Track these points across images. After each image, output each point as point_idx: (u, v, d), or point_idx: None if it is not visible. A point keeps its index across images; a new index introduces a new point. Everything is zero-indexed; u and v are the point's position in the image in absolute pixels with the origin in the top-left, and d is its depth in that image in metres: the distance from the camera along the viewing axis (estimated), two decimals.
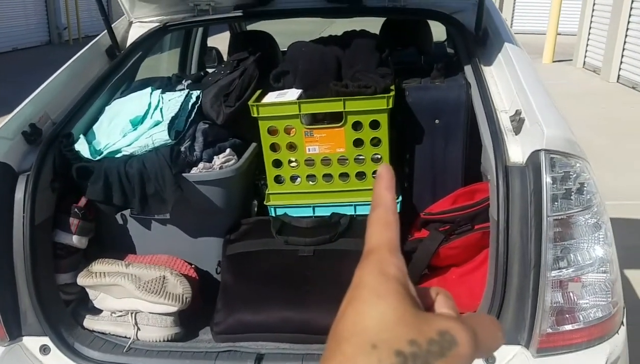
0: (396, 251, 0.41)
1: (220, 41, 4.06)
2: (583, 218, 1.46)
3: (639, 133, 5.91)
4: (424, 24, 2.67)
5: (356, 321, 0.37)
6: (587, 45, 9.67)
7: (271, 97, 1.88)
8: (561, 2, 10.13)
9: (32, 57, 11.56)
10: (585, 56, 9.73)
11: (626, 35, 8.31)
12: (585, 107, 6.87)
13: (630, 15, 8.22)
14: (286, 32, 2.76)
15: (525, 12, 13.84)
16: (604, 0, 9.10)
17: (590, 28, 9.61)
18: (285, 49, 2.34)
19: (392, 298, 0.38)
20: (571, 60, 10.12)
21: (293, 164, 1.91)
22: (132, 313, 1.72)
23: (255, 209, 2.06)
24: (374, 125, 1.80)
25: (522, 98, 1.62)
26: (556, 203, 1.44)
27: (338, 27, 2.38)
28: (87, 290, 1.77)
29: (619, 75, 8.47)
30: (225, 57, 3.82)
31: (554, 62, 10.16)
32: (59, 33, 14.38)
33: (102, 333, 1.72)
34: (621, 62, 8.42)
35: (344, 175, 1.89)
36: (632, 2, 8.18)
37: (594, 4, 9.50)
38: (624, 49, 8.38)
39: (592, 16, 9.56)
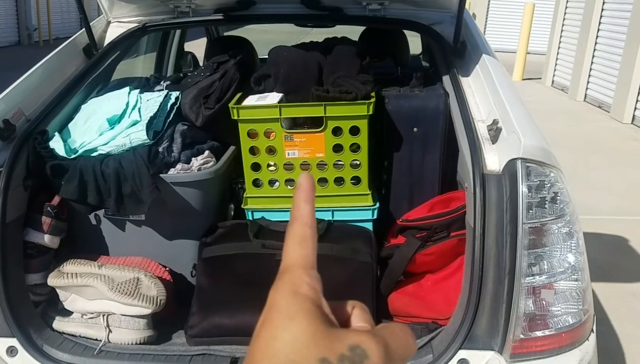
0: (311, 268, 0.41)
1: (195, 47, 4.04)
2: (556, 227, 1.50)
3: (602, 151, 6.09)
4: (402, 35, 2.71)
5: (268, 344, 0.38)
6: (555, 64, 9.95)
7: (252, 100, 1.88)
8: (531, 21, 10.40)
9: (1, 58, 11.30)
10: (554, 75, 10.00)
11: (593, 56, 8.58)
12: (554, 124, 7.05)
13: (597, 37, 8.49)
14: (262, 41, 2.77)
15: (496, 30, 14.16)
16: (572, 21, 9.38)
17: (559, 48, 9.89)
18: (264, 57, 2.34)
19: (302, 318, 0.38)
20: (540, 78, 10.39)
21: (272, 168, 1.91)
22: (103, 315, 1.69)
23: (232, 213, 2.05)
24: (354, 131, 1.82)
25: (500, 109, 1.66)
26: (531, 211, 1.47)
27: (314, 37, 2.40)
28: (58, 290, 1.73)
29: (586, 94, 8.72)
30: (201, 63, 3.82)
31: (523, 79, 10.40)
32: (29, 34, 14.10)
33: (72, 335, 1.68)
34: (588, 82, 8.68)
35: (322, 180, 1.90)
36: (599, 24, 8.46)
37: (562, 25, 9.79)
38: (591, 69, 8.64)
39: (561, 36, 9.84)
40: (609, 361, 2.66)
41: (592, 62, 8.62)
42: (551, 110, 8.00)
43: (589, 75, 8.66)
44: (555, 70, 9.96)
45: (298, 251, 0.42)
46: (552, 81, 10.02)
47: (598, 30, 8.48)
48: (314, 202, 0.44)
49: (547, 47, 10.26)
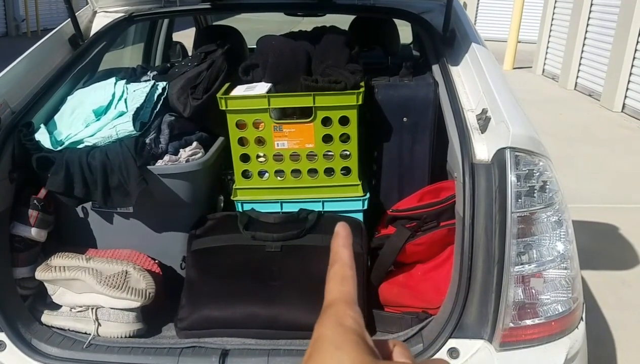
0: (353, 304, 0.44)
1: (185, 38, 4.00)
2: (545, 215, 1.50)
3: (593, 139, 6.12)
4: (392, 24, 2.69)
5: None
6: (546, 53, 9.96)
7: (240, 90, 1.86)
8: (522, 10, 10.40)
9: None
10: (544, 64, 10.02)
11: (584, 45, 8.60)
12: (544, 113, 7.07)
13: (587, 25, 8.51)
14: (251, 31, 2.74)
15: (487, 20, 14.15)
16: (563, 10, 9.38)
17: (549, 36, 9.90)
18: (253, 46, 2.31)
19: (350, 348, 0.39)
20: (531, 67, 10.40)
21: (261, 159, 1.90)
22: (92, 309, 1.67)
23: (222, 204, 2.04)
24: (344, 121, 1.80)
25: (489, 98, 1.65)
26: (520, 200, 1.47)
27: (304, 27, 2.38)
28: (46, 284, 1.71)
29: (576, 82, 8.75)
30: (190, 53, 3.78)
31: (514, 68, 10.42)
32: (16, 25, 13.94)
33: (61, 329, 1.67)
34: (579, 70, 8.70)
35: (312, 171, 1.89)
36: (589, 13, 8.47)
37: (553, 14, 9.79)
38: (581, 58, 8.66)
39: (551, 25, 9.85)
40: (598, 348, 2.68)
41: (582, 51, 8.64)
42: (542, 99, 8.02)
43: (580, 64, 8.68)
44: (545, 59, 9.98)
45: (340, 289, 0.45)
46: (543, 70, 10.04)
47: (588, 18, 8.49)
48: (352, 246, 0.48)
49: (538, 36, 10.27)
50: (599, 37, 8.14)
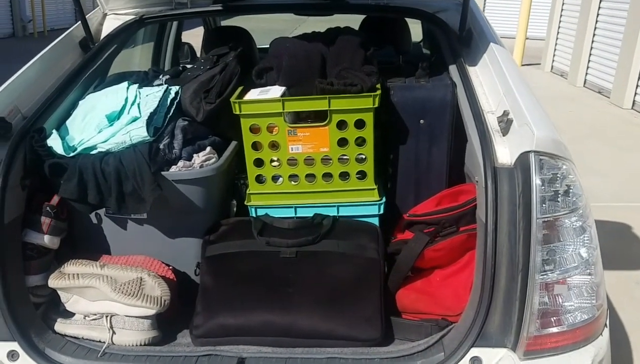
0: None
1: (191, 37, 3.98)
2: (569, 221, 1.46)
3: (603, 137, 6.06)
4: (403, 23, 2.65)
5: None
6: (555, 49, 9.89)
7: (253, 94, 1.83)
8: (530, 7, 10.32)
9: None
10: (553, 60, 9.95)
11: (593, 41, 8.52)
12: (553, 110, 7.01)
13: (597, 22, 8.43)
14: (257, 29, 2.71)
15: (494, 16, 14.06)
16: (572, 5, 9.31)
17: (558, 33, 9.83)
18: (262, 47, 2.27)
19: None
20: (539, 64, 10.33)
21: (275, 163, 1.87)
22: (107, 316, 1.65)
23: (235, 209, 2.01)
24: (359, 124, 1.77)
25: (510, 99, 1.62)
26: (544, 205, 1.43)
27: (309, 25, 2.34)
28: (59, 292, 1.69)
29: (585, 79, 8.68)
30: (198, 53, 3.76)
31: (522, 65, 10.35)
32: (23, 25, 13.98)
33: (75, 338, 1.65)
34: (588, 67, 8.63)
35: (327, 175, 1.85)
36: (599, 9, 8.39)
37: (562, 10, 9.71)
38: (590, 54, 8.59)
39: (560, 21, 9.77)
40: (615, 350, 2.64)
41: (591, 47, 8.57)
42: (551, 95, 7.95)
43: (589, 61, 8.61)
44: (554, 55, 9.91)
45: None
46: (552, 67, 9.97)
47: (597, 14, 8.42)
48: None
49: (546, 33, 10.19)
50: (609, 33, 8.07)
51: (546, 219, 1.43)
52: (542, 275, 1.43)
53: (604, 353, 1.50)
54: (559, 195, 1.46)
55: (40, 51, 1.99)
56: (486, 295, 1.43)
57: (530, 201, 1.40)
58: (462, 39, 1.99)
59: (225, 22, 3.91)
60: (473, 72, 1.86)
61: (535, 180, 1.41)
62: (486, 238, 1.43)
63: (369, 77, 1.76)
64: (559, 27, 9.81)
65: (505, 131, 1.55)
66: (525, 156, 1.43)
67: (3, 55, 10.17)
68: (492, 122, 1.60)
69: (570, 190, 1.47)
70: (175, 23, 3.51)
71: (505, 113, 1.57)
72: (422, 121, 1.90)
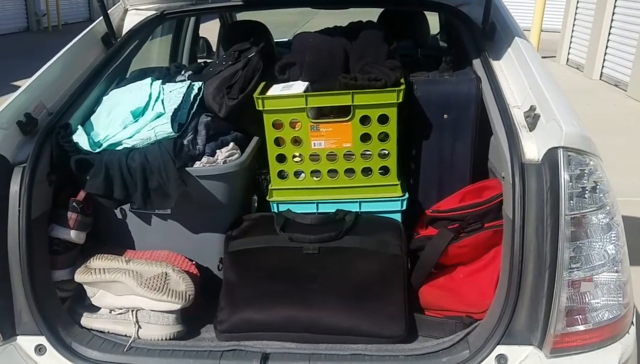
0: None
1: (204, 31, 3.97)
2: (596, 218, 1.45)
3: (622, 131, 5.98)
4: (422, 16, 2.63)
5: None
6: (570, 42, 9.77)
7: (276, 90, 1.83)
8: None
9: (10, 44, 11.25)
10: (568, 53, 9.83)
11: (609, 33, 8.40)
12: None
13: (614, 13, 8.31)
14: (269, 22, 2.69)
15: (509, 8, 13.82)
16: None
17: (574, 25, 9.70)
18: (277, 40, 2.24)
19: None
20: (555, 56, 10.22)
21: (297, 159, 1.87)
22: (132, 311, 1.66)
23: (256, 204, 2.01)
24: (383, 119, 1.76)
25: (536, 94, 1.60)
26: (572, 201, 1.42)
27: (320, 18, 2.32)
28: (85, 286, 1.71)
29: (602, 72, 8.57)
30: (214, 47, 3.76)
31: None
32: (37, 20, 14.06)
33: (101, 332, 1.67)
34: (604, 60, 8.52)
35: (349, 171, 1.85)
36: (615, 0, 8.26)
37: (577, 1, 9.59)
38: (607, 47, 8.47)
39: (576, 13, 9.65)
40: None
41: (608, 40, 8.45)
42: (566, 89, 7.80)
43: (605, 53, 8.49)
44: (570, 48, 9.79)
45: None
46: (567, 59, 9.85)
47: (614, 6, 8.29)
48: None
49: (562, 25, 10.06)
50: (626, 25, 7.95)
51: (574, 216, 1.41)
52: (569, 272, 1.41)
53: (630, 351, 1.49)
54: (587, 192, 1.44)
55: (55, 45, 2.00)
56: (513, 292, 1.42)
57: (558, 197, 1.39)
58: (485, 32, 1.97)
59: (240, 16, 3.90)
60: (497, 66, 1.84)
61: (564, 176, 1.40)
62: (513, 235, 1.42)
63: (393, 71, 1.75)
64: (574, 18, 9.68)
65: (532, 126, 1.53)
66: (554, 152, 1.41)
67: (20, 50, 10.24)
68: (518, 117, 1.59)
69: (598, 187, 1.45)
70: (193, 18, 3.51)
71: (532, 108, 1.56)
72: (445, 116, 1.89)
